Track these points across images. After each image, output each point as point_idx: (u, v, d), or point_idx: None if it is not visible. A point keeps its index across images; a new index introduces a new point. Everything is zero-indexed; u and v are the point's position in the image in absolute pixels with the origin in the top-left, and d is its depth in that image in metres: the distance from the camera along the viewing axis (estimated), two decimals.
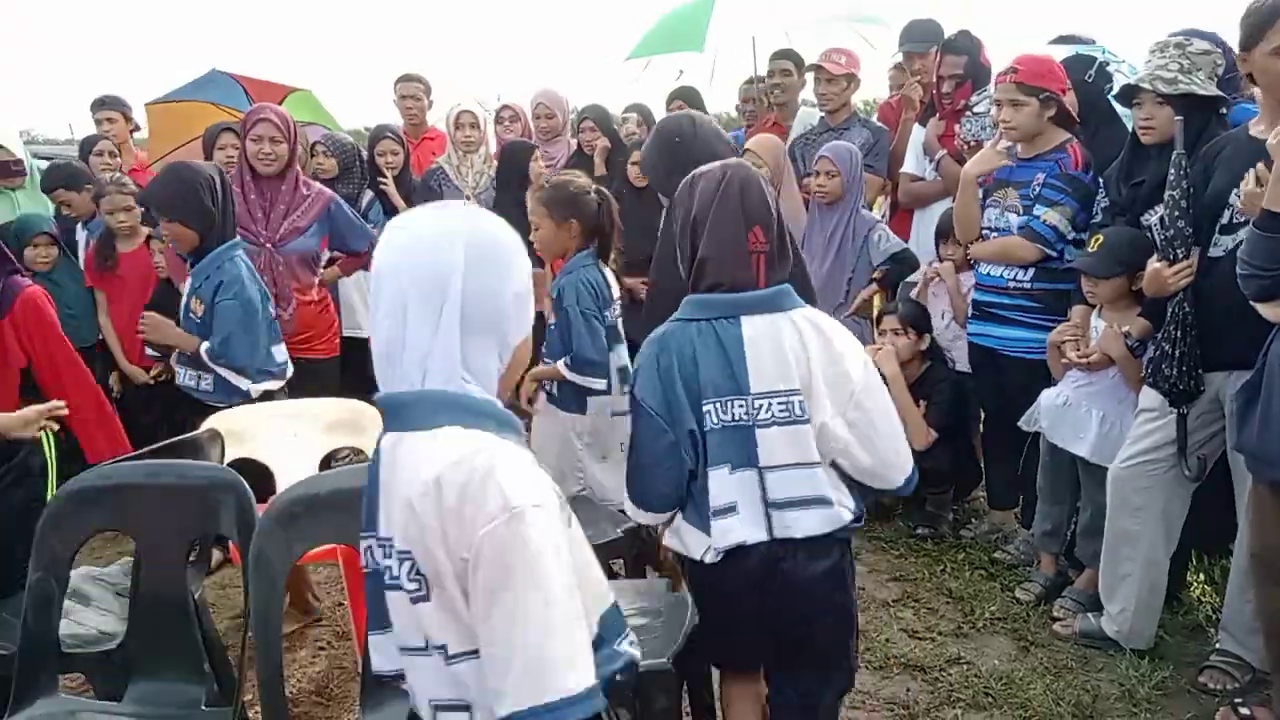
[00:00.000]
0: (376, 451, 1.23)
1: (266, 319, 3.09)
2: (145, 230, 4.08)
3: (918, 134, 4.20)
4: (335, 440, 3.03)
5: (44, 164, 4.73)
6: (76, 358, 2.92)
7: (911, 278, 3.99)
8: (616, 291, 3.04)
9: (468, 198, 4.70)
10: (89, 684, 2.16)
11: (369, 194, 4.53)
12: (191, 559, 2.08)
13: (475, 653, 1.13)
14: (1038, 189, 3.15)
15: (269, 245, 3.58)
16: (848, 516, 1.82)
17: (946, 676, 2.68)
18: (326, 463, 2.96)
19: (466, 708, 1.18)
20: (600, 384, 2.90)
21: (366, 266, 4.18)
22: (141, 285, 4.03)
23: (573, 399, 2.99)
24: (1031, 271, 3.17)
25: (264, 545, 1.81)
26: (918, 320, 3.58)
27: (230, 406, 2.96)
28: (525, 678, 1.07)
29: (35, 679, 1.93)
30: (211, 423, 2.76)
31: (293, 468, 2.71)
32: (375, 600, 1.26)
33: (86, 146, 4.86)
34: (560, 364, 2.91)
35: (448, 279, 1.17)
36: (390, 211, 4.61)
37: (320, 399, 3.15)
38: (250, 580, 1.79)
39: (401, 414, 1.19)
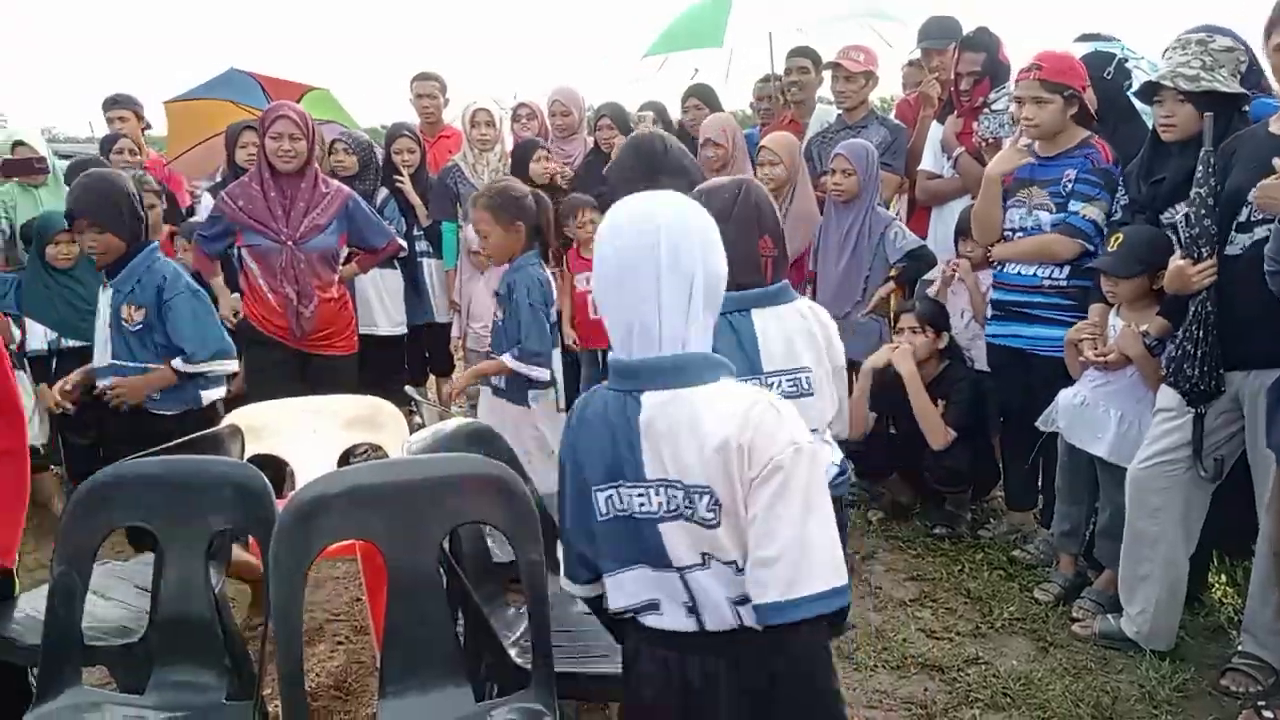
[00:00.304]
0: (627, 408, 1.38)
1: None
2: (167, 228, 4.12)
3: (935, 131, 4.18)
4: (354, 436, 3.05)
5: (65, 162, 4.77)
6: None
7: (929, 275, 3.97)
8: (554, 292, 3.21)
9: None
10: (111, 676, 2.17)
11: (384, 191, 4.56)
12: (211, 554, 2.09)
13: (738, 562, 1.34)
14: (1070, 185, 3.13)
15: (289, 243, 3.61)
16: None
17: (964, 676, 2.67)
18: (345, 459, 2.98)
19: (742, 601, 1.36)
20: (544, 374, 3.06)
21: (385, 263, 4.21)
22: None
23: (518, 391, 3.12)
24: (1067, 269, 3.15)
25: (283, 541, 1.81)
26: (935, 318, 3.57)
27: (182, 413, 2.97)
28: (799, 572, 1.28)
29: (59, 671, 1.95)
30: (232, 418, 2.79)
31: (311, 463, 2.73)
32: (619, 540, 1.42)
33: (107, 145, 4.91)
34: (507, 356, 3.07)
35: (693, 265, 1.37)
36: (406, 209, 4.64)
37: (339, 395, 3.17)
38: (270, 576, 1.80)
39: (672, 374, 1.37)
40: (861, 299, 3.86)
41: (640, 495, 1.38)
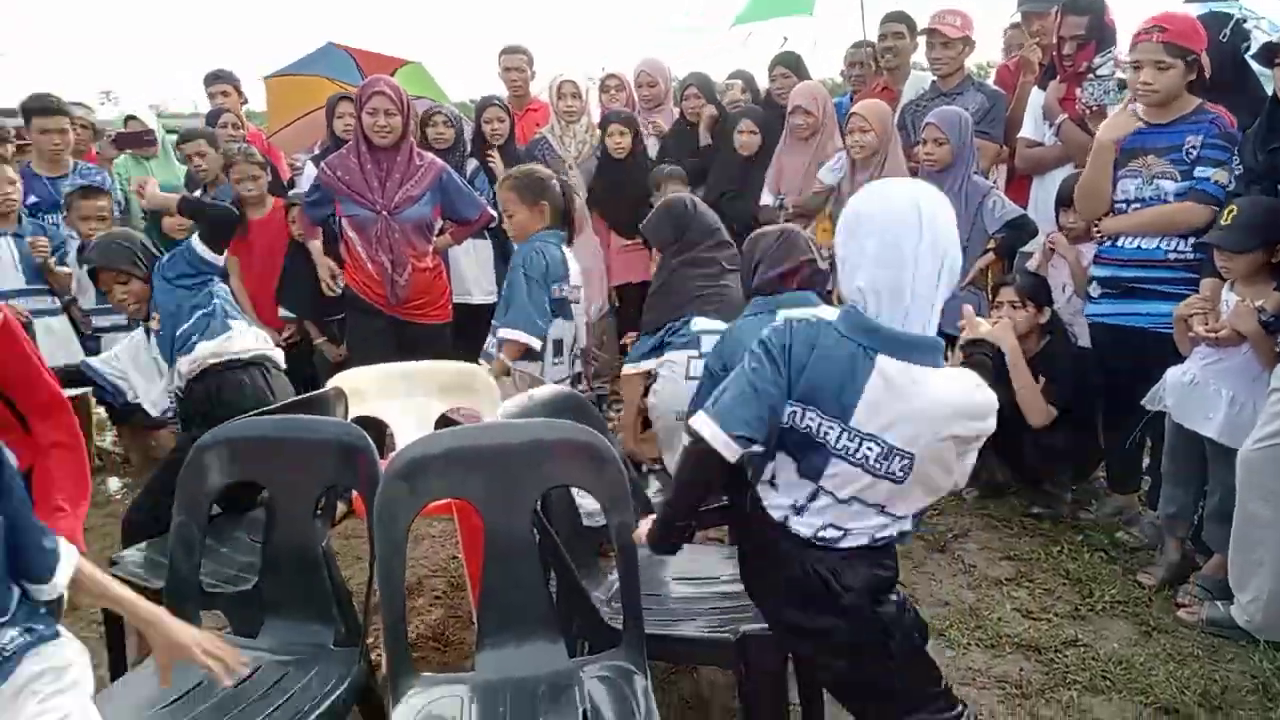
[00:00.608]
0: (872, 362, 1.59)
1: None
2: (272, 199, 4.27)
3: (1036, 97, 4.02)
4: (449, 402, 3.12)
5: (173, 136, 4.99)
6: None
7: (1028, 248, 3.84)
8: (575, 274, 3.35)
9: (569, 168, 4.75)
10: (228, 620, 2.29)
11: (473, 163, 4.61)
12: (318, 511, 2.17)
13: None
14: (1194, 151, 2.98)
15: (384, 213, 3.70)
16: None
17: (1062, 658, 2.60)
18: (440, 423, 3.06)
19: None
20: (523, 338, 3.16)
21: (476, 234, 4.28)
22: (268, 251, 4.23)
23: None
24: (1192, 240, 2.99)
25: (388, 498, 1.87)
26: (1037, 293, 3.44)
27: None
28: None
29: (180, 614, 2.05)
30: (335, 382, 2.88)
31: (409, 426, 2.82)
32: (811, 459, 1.66)
33: (213, 119, 5.10)
34: (501, 327, 3.22)
35: (946, 248, 1.61)
36: (494, 181, 4.70)
37: (434, 362, 3.25)
38: (375, 531, 1.86)
39: (912, 350, 1.59)
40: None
41: (842, 434, 1.61)
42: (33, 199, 4.11)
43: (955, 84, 4.23)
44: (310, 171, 4.28)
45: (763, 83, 5.13)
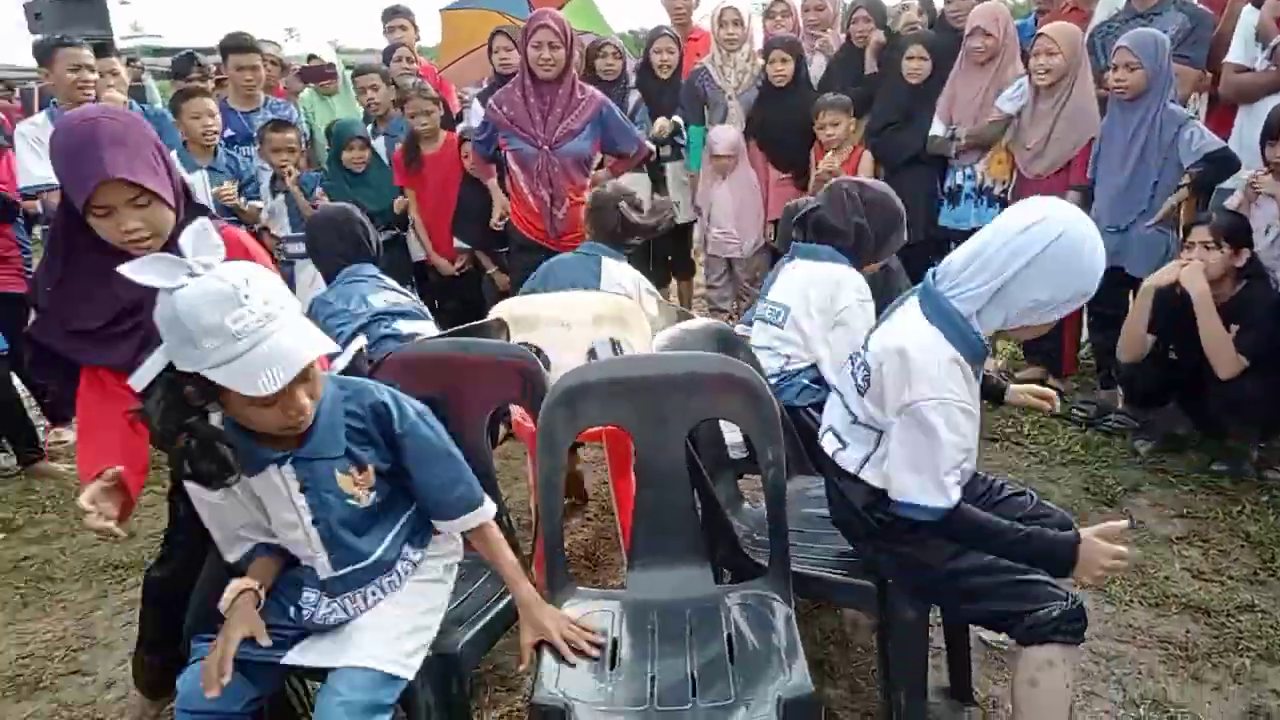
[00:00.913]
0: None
1: None
2: (444, 133, 4.44)
3: (1249, 17, 3.62)
4: (602, 332, 3.20)
5: (350, 73, 5.25)
6: None
7: (1228, 184, 3.50)
8: None
9: (729, 98, 4.68)
10: None
11: (635, 95, 4.62)
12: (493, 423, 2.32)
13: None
14: None
15: (545, 148, 3.78)
16: None
17: (1235, 623, 2.45)
18: (593, 352, 3.15)
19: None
20: None
21: (638, 168, 4.32)
22: (442, 184, 4.43)
23: None
24: None
25: (550, 421, 1.96)
26: (1234, 232, 3.13)
27: None
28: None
29: None
30: (496, 311, 3.02)
31: (563, 355, 2.92)
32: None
33: (387, 55, 5.33)
34: None
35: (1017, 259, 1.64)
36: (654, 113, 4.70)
37: (588, 293, 3.32)
38: (539, 448, 1.95)
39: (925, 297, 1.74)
40: (1148, 209, 3.49)
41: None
42: (229, 132, 4.44)
43: (1152, 3, 3.87)
44: (477, 108, 4.41)
45: (940, 4, 4.86)
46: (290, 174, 4.17)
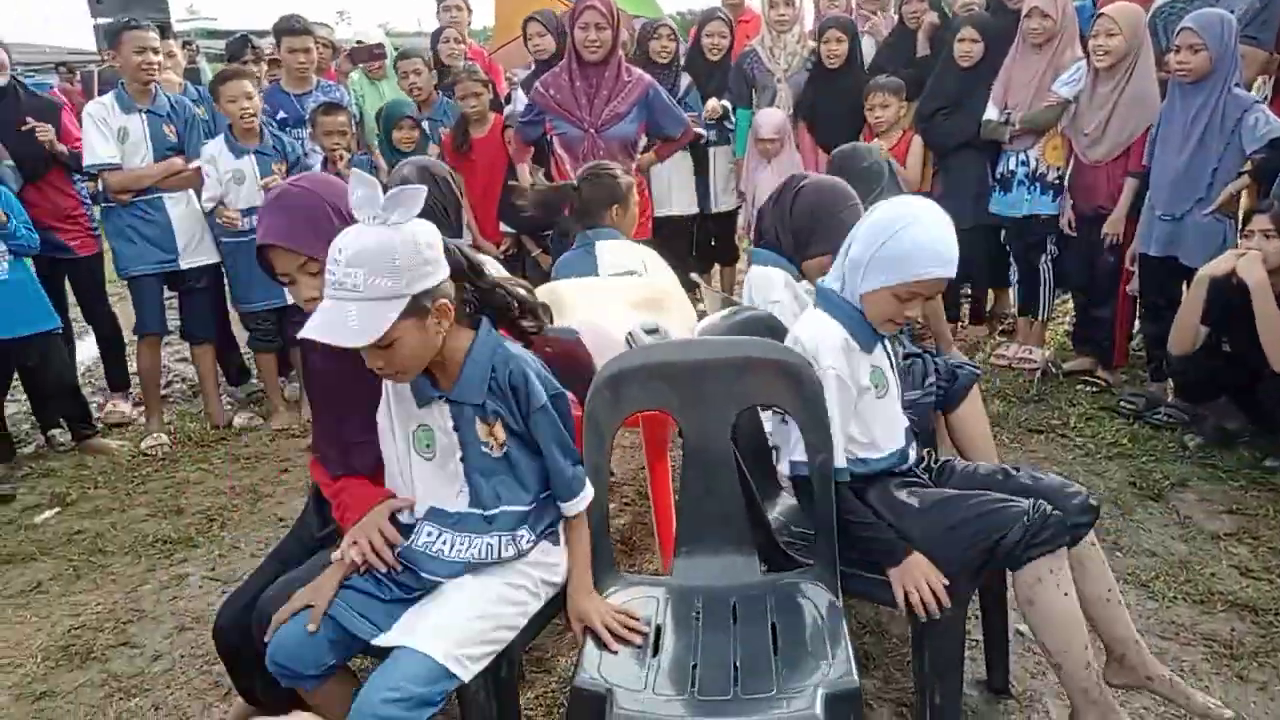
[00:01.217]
0: None
1: None
2: (493, 116, 4.46)
3: None
4: (640, 317, 3.21)
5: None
6: None
7: None
8: None
9: (778, 81, 4.64)
10: None
11: (686, 79, 4.60)
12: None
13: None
14: None
15: (591, 130, 3.79)
16: None
17: None
18: (630, 338, 3.16)
19: None
20: None
21: (684, 150, 4.30)
22: (489, 167, 4.45)
23: None
24: None
25: (596, 405, 1.98)
26: None
27: None
28: None
29: None
30: (540, 295, 3.04)
31: (602, 339, 2.94)
32: None
33: (436, 37, 5.36)
34: None
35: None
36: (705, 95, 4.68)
37: (627, 278, 3.33)
38: (585, 431, 1.96)
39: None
40: (1206, 195, 3.40)
41: None
42: (281, 115, 4.51)
43: None
44: (520, 96, 4.41)
45: None
46: (341, 158, 4.23)
